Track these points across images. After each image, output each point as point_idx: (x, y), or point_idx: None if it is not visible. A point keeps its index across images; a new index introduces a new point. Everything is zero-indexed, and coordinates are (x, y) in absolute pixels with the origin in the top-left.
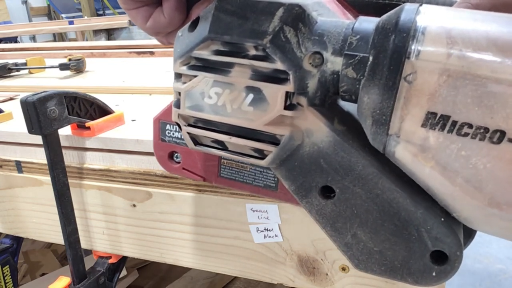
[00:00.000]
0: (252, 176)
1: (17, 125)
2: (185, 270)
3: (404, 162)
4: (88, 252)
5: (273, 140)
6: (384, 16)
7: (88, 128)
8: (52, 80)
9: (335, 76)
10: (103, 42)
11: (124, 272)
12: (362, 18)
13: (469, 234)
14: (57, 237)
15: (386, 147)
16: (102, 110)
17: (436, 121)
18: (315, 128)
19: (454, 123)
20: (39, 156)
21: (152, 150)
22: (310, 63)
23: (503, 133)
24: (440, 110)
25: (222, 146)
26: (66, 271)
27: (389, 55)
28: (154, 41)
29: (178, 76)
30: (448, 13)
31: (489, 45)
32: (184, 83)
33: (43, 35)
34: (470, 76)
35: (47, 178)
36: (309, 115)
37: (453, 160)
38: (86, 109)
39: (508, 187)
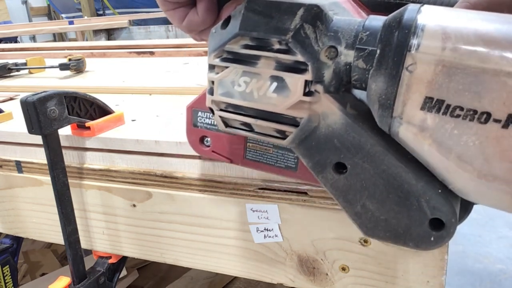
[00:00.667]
0: (274, 158)
1: (17, 125)
2: (185, 270)
3: (406, 141)
4: (88, 252)
5: (293, 123)
6: (391, 15)
7: (88, 128)
8: (52, 80)
9: (347, 67)
10: (103, 42)
11: (124, 272)
12: (372, 16)
13: (466, 208)
14: (57, 237)
15: (391, 128)
16: (102, 110)
17: (433, 104)
18: (330, 112)
19: (448, 106)
20: (39, 156)
21: (152, 150)
22: (326, 56)
23: (489, 115)
24: (436, 95)
25: (249, 128)
26: (66, 271)
27: (394, 49)
28: (154, 41)
29: (211, 67)
30: (445, 13)
31: (477, 39)
32: (217, 73)
33: (43, 35)
34: (461, 66)
35: (47, 178)
36: (324, 101)
37: (447, 138)
38: (86, 109)
39: (493, 160)
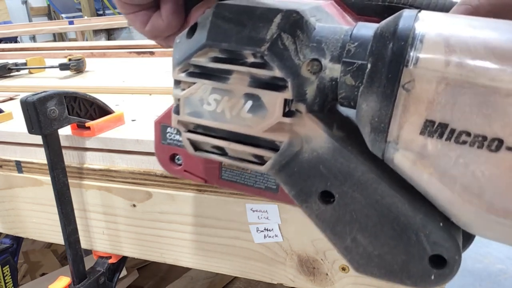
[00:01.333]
0: (253, 179)
1: (17, 125)
2: (185, 270)
3: (403, 169)
4: (88, 252)
5: (272, 146)
6: (383, 23)
7: (88, 128)
8: (52, 80)
9: (333, 82)
10: (103, 42)
11: (124, 272)
12: (360, 24)
13: (468, 237)
14: (57, 237)
15: (385, 153)
16: (102, 110)
17: (434, 129)
18: (314, 135)
19: (453, 131)
20: (39, 156)
21: (152, 150)
22: (309, 70)
23: (501, 142)
24: (438, 118)
25: (222, 151)
26: (66, 271)
27: (387, 63)
28: (154, 42)
29: (177, 82)
30: (447, 20)
31: (488, 53)
32: (183, 89)
33: (43, 35)
34: (469, 85)
35: (47, 178)
36: (307, 122)
37: (451, 167)
38: (86, 109)
39: (506, 193)
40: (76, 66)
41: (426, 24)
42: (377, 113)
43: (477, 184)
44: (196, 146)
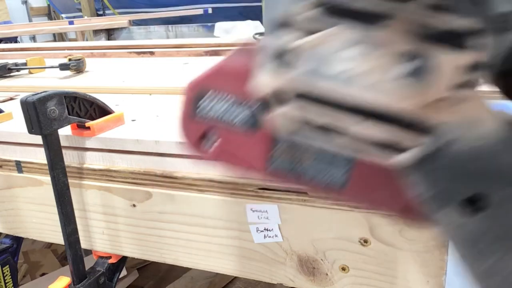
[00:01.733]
0: (313, 169)
1: (17, 125)
2: (185, 270)
3: None
4: (88, 252)
5: (424, 129)
6: None
7: (88, 128)
8: (52, 80)
9: None
10: (103, 42)
11: (124, 272)
12: None
13: None
14: (57, 237)
15: None
16: (102, 110)
17: None
18: (485, 117)
19: None
20: (39, 156)
21: (152, 150)
22: (501, 25)
23: None
24: None
25: (335, 134)
26: (66, 271)
27: None
28: (154, 41)
29: (287, 26)
30: None
31: None
32: (301, 37)
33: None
34: None
35: (47, 178)
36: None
37: None
38: (86, 109)
39: None
40: (76, 66)
41: None
42: None
43: None
44: (298, 125)
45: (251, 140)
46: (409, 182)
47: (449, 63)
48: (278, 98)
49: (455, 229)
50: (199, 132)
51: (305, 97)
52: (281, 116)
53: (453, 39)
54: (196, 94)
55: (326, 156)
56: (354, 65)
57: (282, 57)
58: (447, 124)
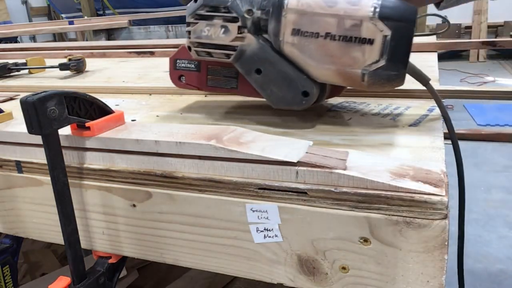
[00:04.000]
0: (223, 83)
1: (17, 125)
2: (185, 270)
3: (288, 53)
4: (88, 252)
5: (233, 49)
6: None
7: (88, 128)
8: (52, 80)
9: (258, 19)
10: (103, 42)
11: (124, 272)
12: None
13: (323, 90)
14: (57, 237)
15: (280, 46)
16: (102, 110)
17: (296, 31)
18: (252, 42)
19: (302, 32)
20: (39, 156)
21: (152, 150)
22: (247, 13)
23: (317, 33)
24: (297, 27)
25: (210, 55)
26: (66, 271)
27: (277, 7)
28: (154, 41)
29: (188, 24)
30: None
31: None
32: (192, 26)
33: (43, 35)
34: (308, 13)
35: (47, 178)
36: (249, 37)
37: (305, 47)
38: (86, 109)
39: (321, 58)
40: (76, 66)
41: None
42: (275, 29)
43: (313, 54)
44: (197, 54)
45: (198, 75)
46: (238, 69)
47: (233, 27)
48: (190, 47)
49: (255, 82)
50: (177, 75)
51: (196, 43)
52: (192, 53)
53: (232, 20)
54: (173, 61)
55: (225, 76)
56: (207, 33)
57: (188, 35)
58: (241, 45)
